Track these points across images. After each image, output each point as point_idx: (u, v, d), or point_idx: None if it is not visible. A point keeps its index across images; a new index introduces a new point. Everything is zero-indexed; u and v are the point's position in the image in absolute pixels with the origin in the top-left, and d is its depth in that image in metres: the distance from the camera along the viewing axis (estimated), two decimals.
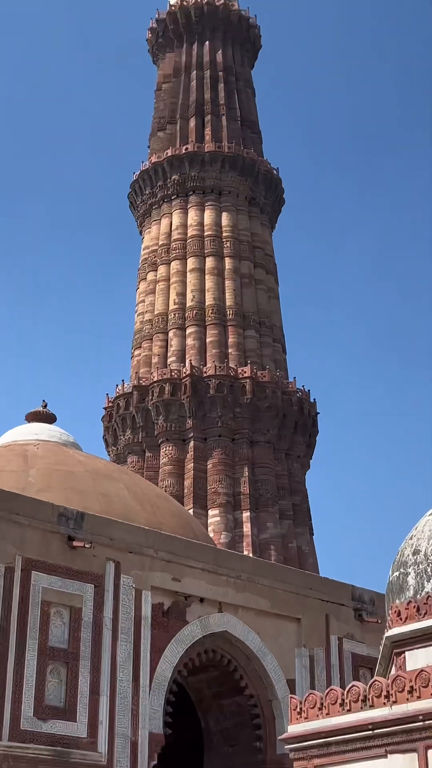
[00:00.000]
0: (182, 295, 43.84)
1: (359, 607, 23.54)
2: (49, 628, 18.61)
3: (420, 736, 12.82)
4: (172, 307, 43.75)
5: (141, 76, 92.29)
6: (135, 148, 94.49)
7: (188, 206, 45.97)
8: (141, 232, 48.12)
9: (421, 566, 14.88)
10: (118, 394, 43.05)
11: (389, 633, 14.63)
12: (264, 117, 51.31)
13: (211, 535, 35.13)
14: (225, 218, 45.53)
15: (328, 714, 14.12)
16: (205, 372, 41.22)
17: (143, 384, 42.08)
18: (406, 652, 14.30)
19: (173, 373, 41.47)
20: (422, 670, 13.09)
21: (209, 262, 44.31)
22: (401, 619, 14.43)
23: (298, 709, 14.65)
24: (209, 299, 43.34)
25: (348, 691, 14.02)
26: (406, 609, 14.41)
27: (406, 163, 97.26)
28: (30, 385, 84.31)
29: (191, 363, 41.43)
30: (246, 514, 39.05)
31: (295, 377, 43.74)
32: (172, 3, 51.45)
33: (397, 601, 14.94)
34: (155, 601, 20.32)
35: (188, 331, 42.94)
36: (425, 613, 14.14)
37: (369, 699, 13.59)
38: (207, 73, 49.11)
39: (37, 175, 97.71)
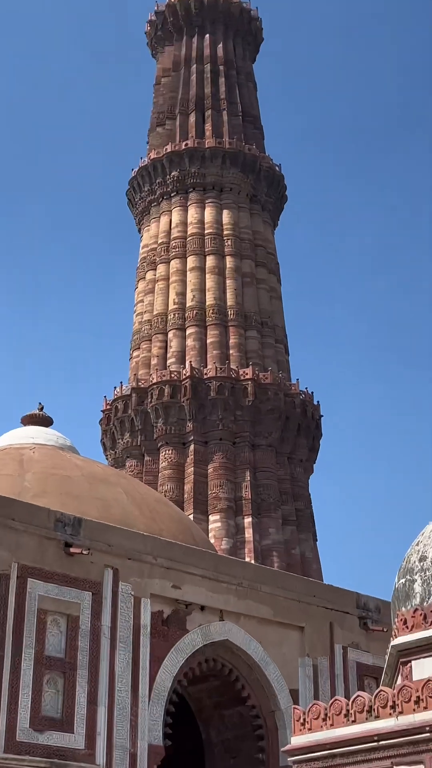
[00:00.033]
0: (182, 294, 43.63)
1: (364, 615, 23.39)
2: (45, 637, 18.46)
3: (427, 747, 12.70)
4: (171, 307, 43.54)
5: (140, 71, 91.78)
6: (134, 144, 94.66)
7: (188, 203, 45.79)
8: (140, 230, 47.98)
9: (427, 573, 14.76)
10: (116, 396, 42.84)
11: (395, 642, 14.54)
12: (266, 112, 51.12)
13: (212, 541, 35.13)
14: (226, 216, 45.30)
15: (332, 725, 14.03)
16: (206, 374, 40.98)
17: (142, 386, 41.84)
18: (413, 662, 14.20)
19: (173, 375, 41.22)
20: (429, 680, 12.99)
21: (210, 261, 44.10)
22: (407, 627, 14.36)
23: (301, 720, 14.55)
24: (210, 299, 43.13)
25: (353, 702, 13.86)
26: (412, 617, 14.34)
27: (411, 158, 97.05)
28: (26, 387, 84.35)
29: (191, 364, 41.17)
30: (248, 520, 38.85)
31: (298, 379, 43.69)
32: None
33: (403, 608, 14.82)
34: (155, 609, 20.19)
35: (188, 331, 42.70)
36: None
37: (374, 710, 13.49)
38: (207, 67, 48.92)
39: (33, 171, 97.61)
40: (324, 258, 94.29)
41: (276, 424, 41.35)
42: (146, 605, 19.98)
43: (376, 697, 13.51)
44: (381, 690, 13.56)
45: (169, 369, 41.81)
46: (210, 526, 38.36)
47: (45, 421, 27.24)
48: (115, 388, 43.19)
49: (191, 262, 44.17)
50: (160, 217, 46.35)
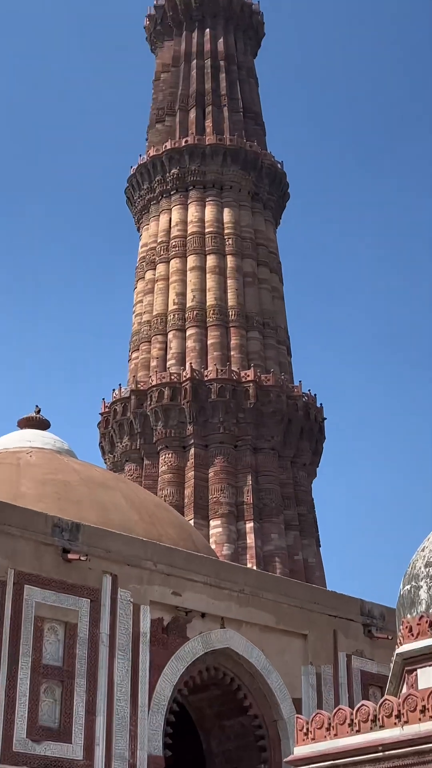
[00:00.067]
0: (182, 294, 43.39)
1: (369, 622, 23.29)
2: (42, 645, 18.37)
3: None
4: (171, 307, 43.29)
5: (139, 66, 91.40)
6: (133, 142, 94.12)
7: (188, 202, 45.55)
8: (139, 229, 47.74)
9: None
10: (114, 398, 42.59)
11: (400, 649, 14.42)
12: (267, 108, 50.96)
13: (213, 546, 35.00)
14: (227, 214, 45.03)
15: (336, 735, 14.06)
16: (207, 375, 40.73)
17: (141, 388, 41.58)
18: (418, 670, 14.19)
19: (173, 377, 40.96)
20: None
21: (210, 261, 43.85)
22: (413, 634, 14.34)
23: (304, 730, 14.46)
24: (210, 299, 42.88)
25: (357, 711, 13.81)
26: (417, 624, 14.32)
27: (415, 155, 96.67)
28: (22, 389, 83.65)
29: (192, 366, 40.94)
30: (249, 525, 38.62)
31: (300, 381, 43.42)
32: None
33: (409, 615, 14.83)
34: (154, 616, 20.13)
35: (188, 332, 42.45)
36: None
37: (379, 719, 13.50)
38: (207, 62, 48.61)
39: (30, 169, 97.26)
40: (327, 257, 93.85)
41: (278, 427, 41.09)
42: (146, 612, 19.94)
43: (380, 706, 13.41)
44: (386, 699, 13.53)
45: (168, 371, 41.54)
46: (211, 532, 38.16)
47: (42, 424, 27.18)
48: (113, 390, 42.98)
49: (191, 261, 43.93)
50: (159, 215, 46.13)
